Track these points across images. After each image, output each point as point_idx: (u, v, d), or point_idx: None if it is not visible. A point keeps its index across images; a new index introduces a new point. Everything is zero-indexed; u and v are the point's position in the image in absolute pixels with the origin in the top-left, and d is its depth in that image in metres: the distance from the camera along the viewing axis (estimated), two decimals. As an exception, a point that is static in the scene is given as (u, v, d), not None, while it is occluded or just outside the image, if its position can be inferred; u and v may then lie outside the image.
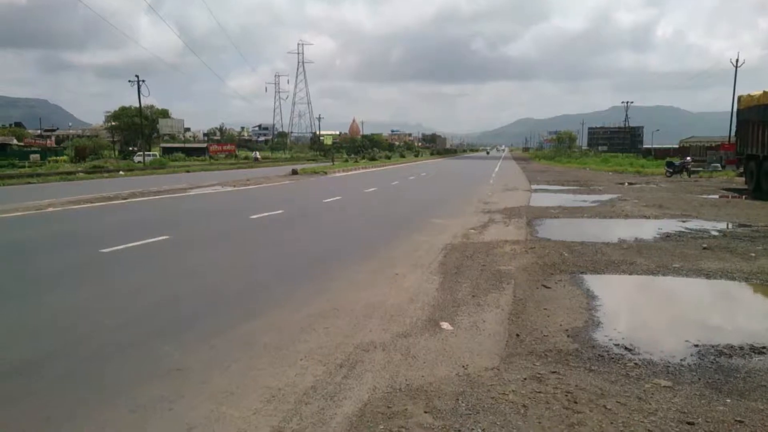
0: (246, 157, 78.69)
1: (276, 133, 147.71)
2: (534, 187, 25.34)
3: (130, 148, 72.35)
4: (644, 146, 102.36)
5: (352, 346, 4.81)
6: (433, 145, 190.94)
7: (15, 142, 71.08)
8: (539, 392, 3.86)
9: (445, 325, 5.37)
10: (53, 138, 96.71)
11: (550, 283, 6.98)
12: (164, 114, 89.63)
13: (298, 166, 45.60)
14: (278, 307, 5.96)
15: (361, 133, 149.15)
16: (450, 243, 9.91)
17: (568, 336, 5.06)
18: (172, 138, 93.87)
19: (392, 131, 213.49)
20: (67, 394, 3.87)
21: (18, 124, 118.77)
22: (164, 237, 10.35)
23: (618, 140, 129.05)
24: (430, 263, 8.19)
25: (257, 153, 75.04)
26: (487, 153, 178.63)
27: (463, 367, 4.36)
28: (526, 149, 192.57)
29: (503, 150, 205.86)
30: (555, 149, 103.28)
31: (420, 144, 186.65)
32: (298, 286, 6.92)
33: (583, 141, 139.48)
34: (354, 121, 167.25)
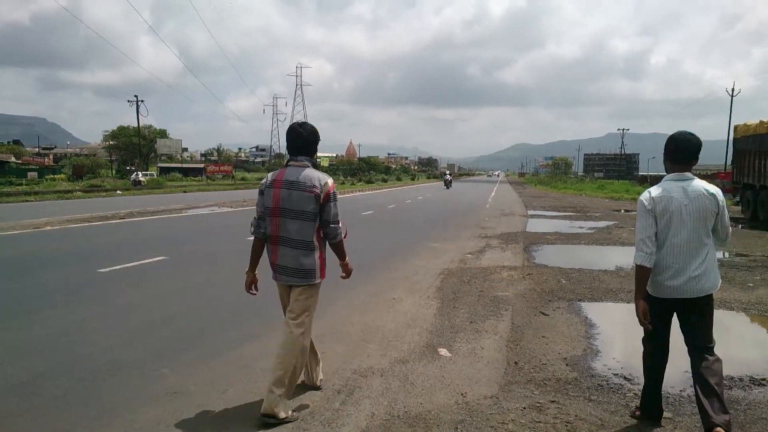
0: (243, 178, 78.66)
1: (273, 154, 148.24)
2: (530, 212, 25.43)
3: (128, 168, 72.38)
4: (640, 173, 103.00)
5: (350, 371, 4.79)
6: (429, 169, 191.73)
7: (13, 159, 71.09)
8: (539, 422, 3.84)
9: (443, 351, 5.35)
10: (51, 156, 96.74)
11: (548, 310, 6.97)
12: (162, 134, 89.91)
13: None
14: (276, 330, 5.89)
15: (358, 155, 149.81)
16: (447, 268, 9.92)
17: (566, 364, 5.05)
18: (170, 158, 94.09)
19: (389, 154, 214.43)
20: (63, 414, 3.83)
21: (16, 142, 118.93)
22: (162, 257, 10.33)
23: (614, 167, 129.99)
24: (427, 288, 8.18)
25: (140, 173, 55.22)
26: (488, 176, 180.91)
27: (462, 394, 4.34)
28: (522, 174, 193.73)
29: (498, 175, 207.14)
30: (551, 175, 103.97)
31: (416, 168, 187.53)
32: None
33: (579, 167, 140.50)
34: (351, 143, 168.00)
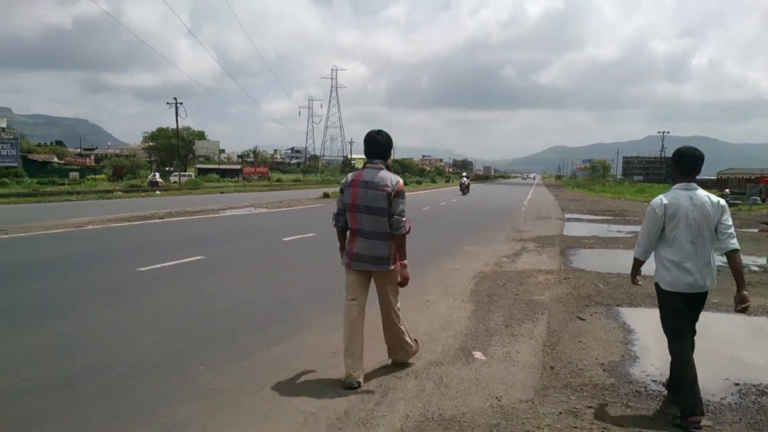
0: (278, 180, 79.46)
1: (308, 156, 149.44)
2: (567, 215, 25.06)
3: (167, 169, 73.88)
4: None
5: (385, 371, 4.79)
6: (464, 171, 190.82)
7: (56, 160, 73.27)
8: (575, 427, 3.79)
9: (477, 354, 5.32)
10: (92, 157, 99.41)
11: (585, 315, 6.86)
12: (200, 136, 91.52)
13: (329, 190, 45.96)
14: (309, 331, 5.98)
15: (392, 157, 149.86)
16: (482, 271, 9.85)
17: (604, 370, 4.96)
18: (207, 159, 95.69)
19: (423, 156, 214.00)
20: (103, 410, 3.92)
21: (59, 143, 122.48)
22: (199, 257, 10.51)
23: (654, 170, 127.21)
24: (461, 291, 8.14)
25: (157, 174, 53.40)
26: (523, 179, 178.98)
27: (497, 398, 4.30)
28: (558, 177, 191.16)
29: (533, 178, 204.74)
30: (588, 178, 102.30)
31: (451, 170, 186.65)
32: (329, 309, 6.91)
33: (617, 170, 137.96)
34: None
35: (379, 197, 4.38)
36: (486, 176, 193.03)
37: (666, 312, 4.13)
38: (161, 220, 18.44)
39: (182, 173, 63.23)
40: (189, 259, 10.22)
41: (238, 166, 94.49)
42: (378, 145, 4.55)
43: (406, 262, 4.52)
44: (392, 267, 4.50)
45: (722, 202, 4.02)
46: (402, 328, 4.75)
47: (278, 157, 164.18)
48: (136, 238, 14.10)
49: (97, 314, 6.49)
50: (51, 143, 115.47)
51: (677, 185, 4.08)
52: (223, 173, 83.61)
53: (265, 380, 4.53)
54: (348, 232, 4.60)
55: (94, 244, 12.76)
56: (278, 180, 79.85)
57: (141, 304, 7.05)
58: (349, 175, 4.61)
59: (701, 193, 4.02)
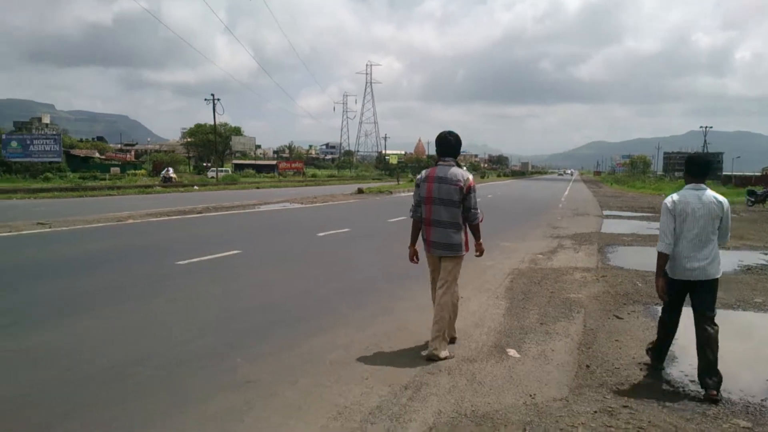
0: (313, 175, 79.99)
1: (343, 151, 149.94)
2: (606, 212, 24.65)
3: (204, 164, 75.11)
4: (724, 173, 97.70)
5: (418, 367, 4.81)
6: (499, 167, 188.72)
7: (97, 155, 75.23)
8: (610, 426, 3.75)
9: (511, 352, 5.30)
10: (132, 152, 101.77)
11: (623, 313, 6.76)
12: (237, 131, 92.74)
13: (364, 185, 46.09)
14: (343, 325, 6.03)
15: (426, 153, 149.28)
16: (517, 268, 9.77)
17: (641, 369, 4.89)
18: (244, 155, 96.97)
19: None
20: (144, 400, 4.04)
21: (100, 138, 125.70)
22: (236, 251, 10.68)
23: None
24: (496, 288, 8.10)
25: (170, 170, 50.64)
26: (560, 174, 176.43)
27: (531, 396, 4.28)
28: (597, 173, 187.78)
29: (570, 174, 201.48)
30: (628, 173, 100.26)
31: (486, 165, 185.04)
32: (363, 304, 6.98)
33: (657, 166, 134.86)
34: (420, 140, 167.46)
35: (452, 191, 4.95)
36: (523, 172, 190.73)
37: (669, 292, 4.63)
38: (199, 215, 18.78)
39: (219, 169, 64.21)
40: (226, 254, 10.40)
41: (274, 162, 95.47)
42: (449, 144, 5.13)
43: (481, 241, 5.24)
44: (461, 253, 5.09)
45: (726, 202, 4.53)
46: (454, 312, 5.29)
47: (313, 152, 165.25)
48: (175, 232, 14.40)
49: (137, 307, 6.67)
50: (92, 139, 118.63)
51: (687, 186, 4.61)
52: (259, 169, 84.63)
53: (301, 373, 4.60)
54: (422, 223, 5.16)
55: (133, 238, 13.08)
56: (313, 175, 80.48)
57: (180, 297, 7.21)
58: (423, 172, 5.23)
59: (709, 193, 4.55)
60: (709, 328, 4.44)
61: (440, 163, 5.13)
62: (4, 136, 57.63)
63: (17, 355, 4.94)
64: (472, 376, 4.67)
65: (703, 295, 4.53)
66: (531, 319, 6.44)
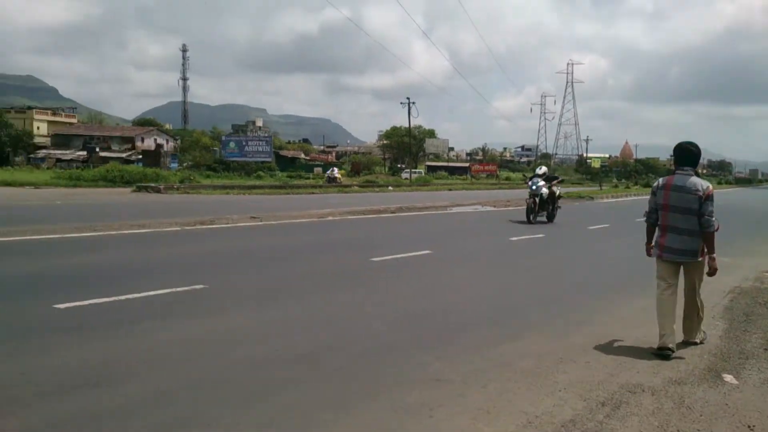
0: (507, 178, 79.02)
1: (539, 154, 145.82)
2: None
3: (399, 165, 78.02)
4: None
5: (617, 384, 4.47)
6: (721, 173, 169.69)
7: (302, 156, 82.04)
8: None
9: (728, 377, 4.70)
10: (334, 153, 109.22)
11: None
12: (431, 134, 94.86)
13: (563, 190, 44.31)
14: (536, 333, 5.82)
15: (634, 156, 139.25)
16: (738, 286, 8.67)
17: None
18: (437, 157, 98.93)
19: (670, 156, 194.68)
20: (341, 385, 4.26)
21: (305, 141, 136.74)
22: (427, 251, 10.89)
23: None
24: (713, 307, 7.23)
25: (335, 170, 51.11)
26: None
27: (749, 427, 3.75)
28: None
29: None
30: None
31: (705, 171, 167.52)
32: (557, 314, 6.69)
33: None
34: (626, 143, 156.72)
35: (691, 200, 5.09)
36: (749, 179, 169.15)
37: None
38: (392, 215, 19.52)
39: (413, 170, 66.23)
40: (417, 253, 10.64)
41: (467, 164, 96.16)
42: (691, 154, 5.29)
43: (714, 255, 5.11)
44: (700, 259, 5.22)
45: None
46: (701, 315, 5.51)
47: (507, 155, 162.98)
48: (369, 229, 15.13)
49: (335, 298, 7.09)
50: (299, 141, 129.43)
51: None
52: (452, 171, 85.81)
53: (491, 377, 4.52)
54: (657, 228, 5.39)
55: (333, 233, 14.00)
56: (507, 178, 79.52)
57: (374, 291, 7.53)
58: (660, 180, 5.47)
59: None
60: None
61: (678, 172, 5.27)
62: (223, 138, 65.27)
63: (253, 325, 5.51)
64: (681, 399, 4.22)
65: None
66: (753, 343, 5.67)
